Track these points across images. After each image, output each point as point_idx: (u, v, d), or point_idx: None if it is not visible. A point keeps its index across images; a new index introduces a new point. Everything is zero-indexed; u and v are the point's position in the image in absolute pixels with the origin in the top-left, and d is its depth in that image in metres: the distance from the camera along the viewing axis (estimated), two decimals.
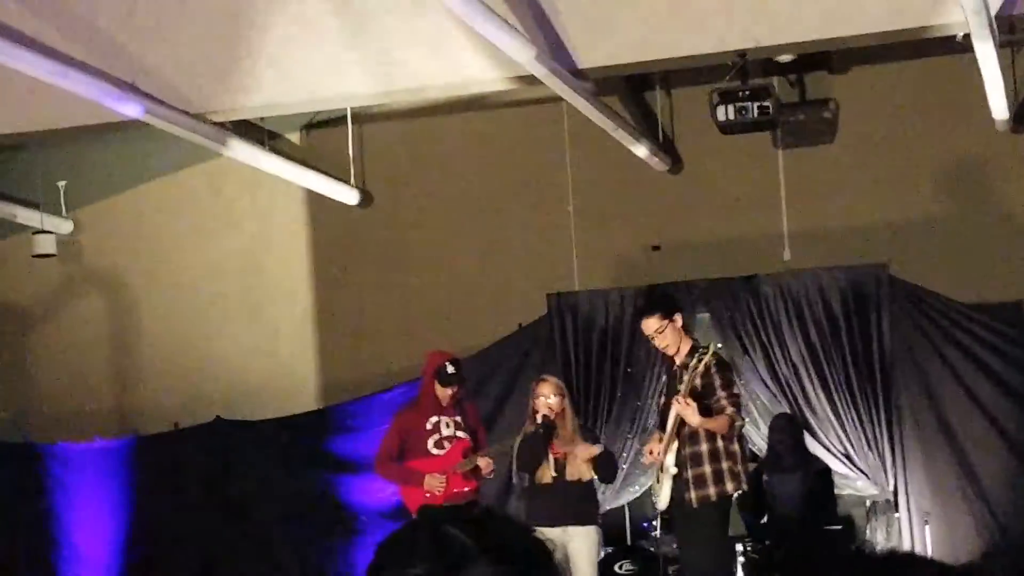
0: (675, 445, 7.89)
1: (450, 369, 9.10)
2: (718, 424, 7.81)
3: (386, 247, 11.64)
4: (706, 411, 7.77)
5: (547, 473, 8.61)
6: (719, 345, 8.89)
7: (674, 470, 7.87)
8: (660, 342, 8.03)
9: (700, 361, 7.86)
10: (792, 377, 10.48)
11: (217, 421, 11.43)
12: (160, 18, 8.58)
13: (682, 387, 7.78)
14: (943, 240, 10.67)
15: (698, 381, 7.82)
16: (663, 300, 8.68)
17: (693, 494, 7.80)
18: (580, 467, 8.61)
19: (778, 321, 10.52)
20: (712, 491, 7.83)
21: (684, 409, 7.69)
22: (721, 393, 7.88)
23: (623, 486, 10.55)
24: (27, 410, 12.22)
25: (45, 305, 12.49)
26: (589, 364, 10.84)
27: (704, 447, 7.84)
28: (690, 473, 7.83)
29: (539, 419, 8.62)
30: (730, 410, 7.86)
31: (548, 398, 8.61)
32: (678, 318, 8.06)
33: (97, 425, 11.89)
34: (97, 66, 8.21)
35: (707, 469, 7.82)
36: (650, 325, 8.02)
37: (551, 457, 8.62)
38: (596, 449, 8.59)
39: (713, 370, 7.93)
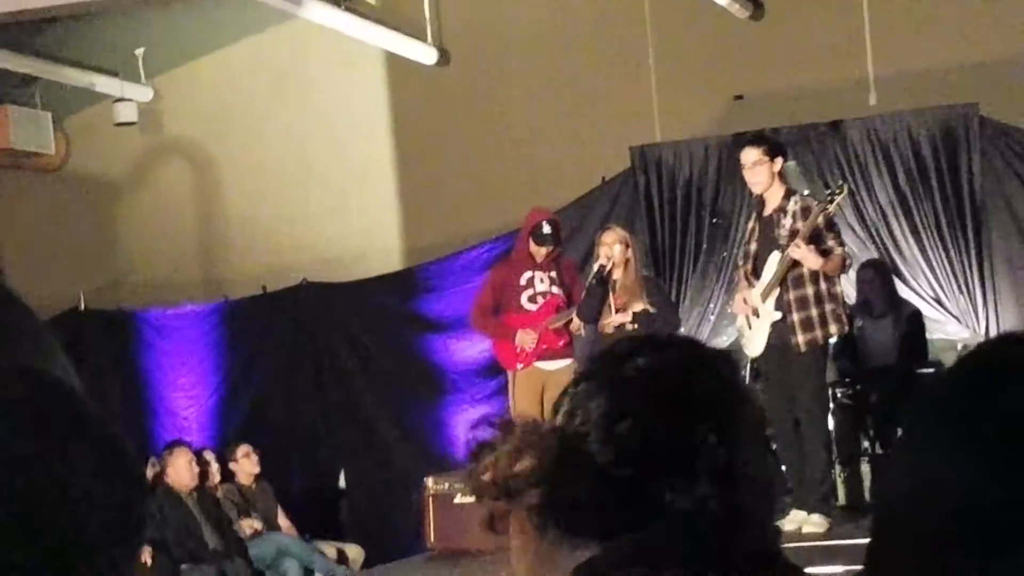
0: (776, 291, 7.87)
1: (546, 229, 9.08)
2: (833, 265, 7.81)
3: (466, 105, 11.57)
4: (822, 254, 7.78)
5: (609, 324, 8.61)
6: (805, 192, 8.85)
7: (776, 315, 7.85)
8: (753, 176, 7.98)
9: (825, 203, 7.86)
10: (880, 222, 10.39)
11: (304, 284, 11.53)
12: None
13: (803, 226, 7.72)
14: None
15: (820, 221, 7.79)
16: (770, 139, 8.65)
17: (801, 338, 7.77)
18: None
19: (865, 166, 10.41)
20: (819, 334, 7.82)
21: (803, 253, 7.66)
22: (828, 234, 7.87)
23: (710, 337, 10.55)
24: (117, 278, 12.37)
25: (129, 174, 12.58)
26: (674, 216, 10.80)
27: (810, 290, 7.82)
28: (796, 317, 7.80)
29: (595, 267, 8.66)
30: (839, 250, 7.86)
31: (608, 247, 8.62)
32: (779, 161, 8.03)
33: (186, 292, 12.04)
34: None
35: (814, 312, 7.80)
36: (750, 155, 7.97)
37: (613, 307, 8.61)
38: (624, 317, 8.54)
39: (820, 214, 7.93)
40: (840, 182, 8.70)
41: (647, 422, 1.68)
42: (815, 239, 7.78)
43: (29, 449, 0.78)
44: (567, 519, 1.68)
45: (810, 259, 7.70)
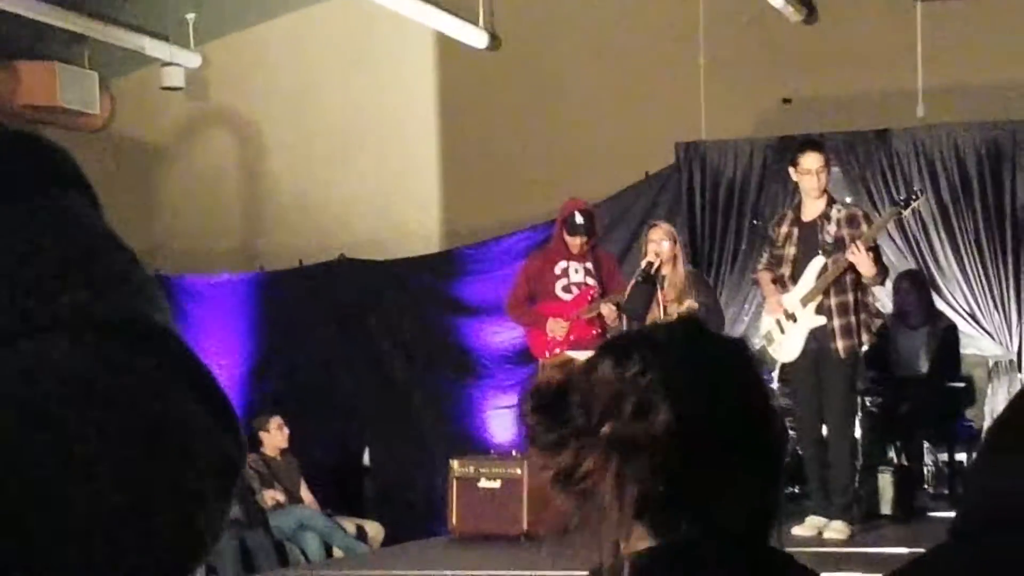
0: (819, 296, 7.86)
1: (579, 219, 9.07)
2: (881, 275, 7.85)
3: (514, 91, 11.58)
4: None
5: (656, 320, 8.59)
6: (848, 200, 8.85)
7: (820, 320, 7.84)
8: (813, 182, 7.93)
9: (899, 208, 7.95)
10: (921, 234, 10.37)
11: (341, 259, 11.57)
12: None
13: (869, 229, 7.74)
14: None
15: (871, 228, 7.80)
16: (826, 145, 8.65)
17: (840, 343, 7.77)
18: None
19: (910, 177, 10.38)
20: (856, 341, 7.84)
21: (861, 257, 7.64)
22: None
23: (745, 338, 10.54)
24: (155, 244, 12.42)
25: (173, 140, 12.63)
26: (715, 215, 10.81)
27: (851, 297, 7.82)
28: (837, 322, 7.80)
29: (643, 264, 8.63)
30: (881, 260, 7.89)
31: (657, 243, 8.59)
32: (833, 169, 8.09)
33: (224, 261, 12.09)
34: None
35: (853, 318, 7.81)
36: (816, 160, 7.94)
37: (661, 304, 8.58)
38: (681, 310, 8.50)
39: (863, 223, 7.94)
40: (917, 188, 8.70)
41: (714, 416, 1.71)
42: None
43: (151, 404, 0.76)
44: (670, 494, 1.68)
45: (865, 265, 7.69)
